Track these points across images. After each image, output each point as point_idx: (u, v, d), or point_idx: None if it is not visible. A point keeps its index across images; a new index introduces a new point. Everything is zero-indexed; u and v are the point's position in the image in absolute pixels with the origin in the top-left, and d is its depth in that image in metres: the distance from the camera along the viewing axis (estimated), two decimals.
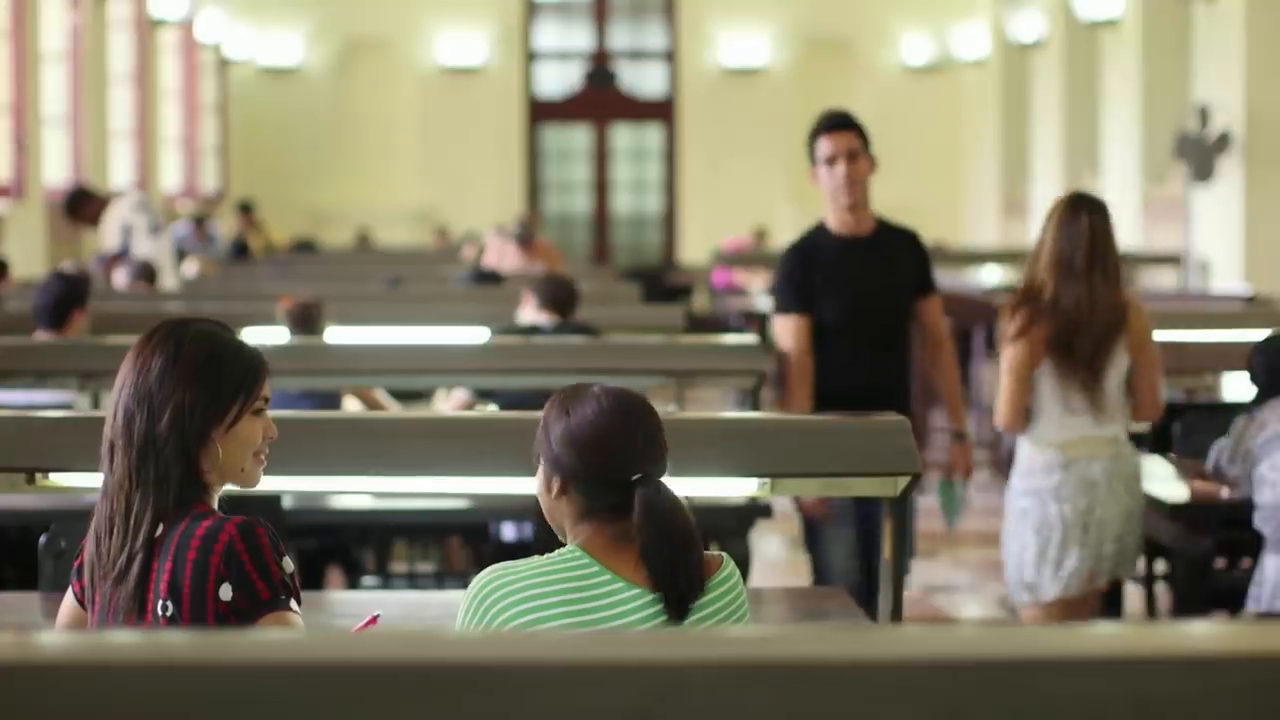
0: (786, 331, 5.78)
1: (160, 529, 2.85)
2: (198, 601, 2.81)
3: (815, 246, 5.87)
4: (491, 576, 2.93)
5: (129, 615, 2.82)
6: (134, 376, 2.89)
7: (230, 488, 2.96)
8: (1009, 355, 5.35)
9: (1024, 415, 5.37)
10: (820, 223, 5.92)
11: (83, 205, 12.46)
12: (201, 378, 2.88)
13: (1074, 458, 5.31)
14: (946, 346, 6.04)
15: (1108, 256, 5.30)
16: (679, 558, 2.88)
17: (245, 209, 18.65)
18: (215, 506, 2.92)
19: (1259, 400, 5.23)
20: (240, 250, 16.43)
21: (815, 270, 5.80)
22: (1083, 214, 5.31)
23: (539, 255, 12.54)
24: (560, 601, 2.89)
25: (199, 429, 2.87)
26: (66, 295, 6.50)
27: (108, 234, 12.09)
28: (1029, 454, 5.39)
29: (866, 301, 5.82)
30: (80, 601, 2.96)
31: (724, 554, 3.01)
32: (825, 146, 5.77)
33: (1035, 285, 5.35)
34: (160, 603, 2.82)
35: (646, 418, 2.97)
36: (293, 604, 2.86)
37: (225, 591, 2.80)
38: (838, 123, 5.82)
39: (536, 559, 2.95)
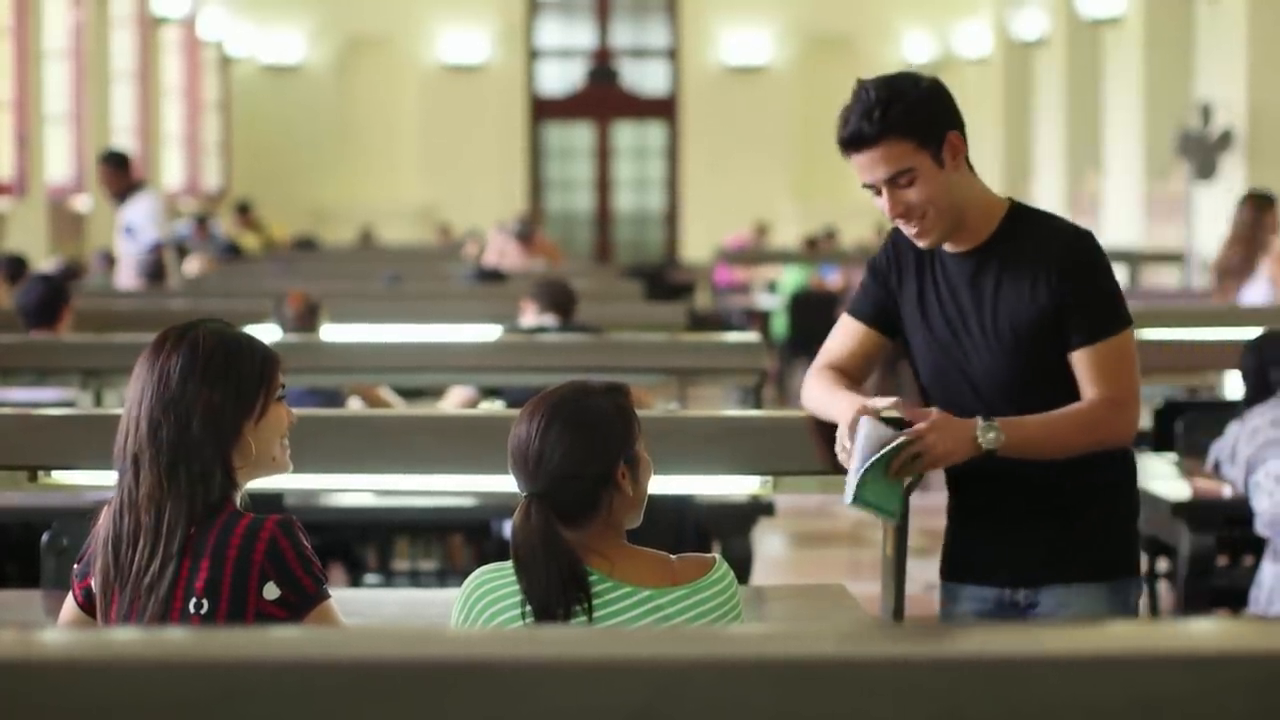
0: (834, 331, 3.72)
1: (192, 531, 2.85)
2: (238, 600, 2.81)
3: (904, 248, 3.59)
4: (481, 579, 2.95)
5: (155, 619, 2.82)
6: (155, 387, 2.87)
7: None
8: None
9: None
10: None
11: (121, 168, 12.00)
12: (226, 375, 2.89)
13: None
14: (1106, 407, 3.45)
15: None
16: (529, 576, 2.88)
17: (243, 209, 18.64)
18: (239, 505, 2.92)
19: (1249, 401, 5.22)
20: (232, 251, 16.32)
21: (900, 283, 3.60)
22: None
23: (540, 253, 12.54)
24: None
25: (232, 425, 2.88)
26: (54, 293, 6.59)
27: (141, 224, 11.66)
28: None
29: (957, 360, 3.54)
30: (83, 607, 2.95)
31: (716, 555, 3.01)
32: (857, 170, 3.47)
33: None
34: (194, 600, 2.82)
35: (567, 435, 2.89)
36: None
37: (270, 590, 2.81)
38: (855, 136, 3.39)
39: None
